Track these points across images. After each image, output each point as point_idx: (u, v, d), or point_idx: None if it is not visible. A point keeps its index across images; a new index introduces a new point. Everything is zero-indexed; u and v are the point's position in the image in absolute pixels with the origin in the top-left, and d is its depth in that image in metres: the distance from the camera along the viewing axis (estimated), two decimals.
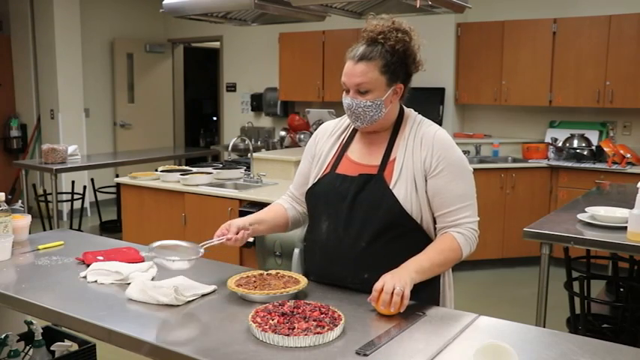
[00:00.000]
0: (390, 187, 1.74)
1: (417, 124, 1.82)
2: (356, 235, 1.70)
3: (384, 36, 1.72)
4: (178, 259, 1.74)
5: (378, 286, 1.58)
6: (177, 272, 1.79)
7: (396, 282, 1.56)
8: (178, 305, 1.66)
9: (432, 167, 1.74)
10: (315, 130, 2.03)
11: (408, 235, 1.76)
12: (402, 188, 1.73)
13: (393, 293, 1.55)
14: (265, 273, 1.84)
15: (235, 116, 7.91)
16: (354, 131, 1.90)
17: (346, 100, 1.77)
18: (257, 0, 3.43)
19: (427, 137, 1.77)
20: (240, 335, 1.46)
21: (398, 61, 1.74)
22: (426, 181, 1.75)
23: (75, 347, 2.52)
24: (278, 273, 1.83)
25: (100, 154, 6.74)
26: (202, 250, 1.78)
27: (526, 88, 5.70)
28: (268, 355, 1.36)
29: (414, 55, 1.76)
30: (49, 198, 5.83)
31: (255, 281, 1.78)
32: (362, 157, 1.84)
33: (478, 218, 1.79)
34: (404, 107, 1.86)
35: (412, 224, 1.75)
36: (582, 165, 5.26)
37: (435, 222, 1.79)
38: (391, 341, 1.43)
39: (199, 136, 9.99)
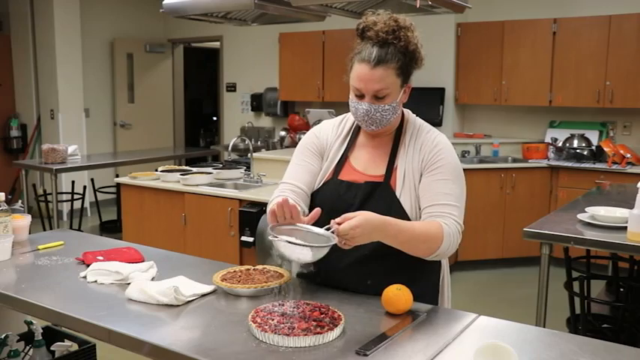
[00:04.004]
0: (397, 196, 1.72)
1: (417, 129, 1.79)
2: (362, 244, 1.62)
3: (395, 35, 1.65)
4: (307, 244, 1.50)
5: (343, 225, 1.49)
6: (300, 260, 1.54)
7: (355, 238, 1.50)
8: (178, 305, 1.66)
9: (428, 166, 1.72)
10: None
11: None
12: (407, 197, 1.72)
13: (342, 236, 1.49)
14: (252, 268, 1.88)
15: (235, 116, 7.91)
16: (356, 135, 1.86)
17: (362, 105, 1.69)
18: (257, 0, 3.43)
19: (427, 142, 1.75)
20: (240, 335, 1.46)
21: (409, 61, 1.69)
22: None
23: (75, 347, 2.52)
24: (264, 268, 1.88)
25: (100, 154, 6.74)
26: (335, 238, 1.51)
27: (526, 88, 5.70)
28: (268, 355, 1.36)
29: (420, 53, 1.71)
30: (49, 198, 5.83)
31: (240, 276, 1.82)
32: (365, 165, 1.79)
33: (463, 227, 1.70)
34: (403, 108, 1.83)
35: None
36: (582, 165, 5.25)
37: None
38: (391, 341, 1.43)
39: (199, 136, 9.99)
